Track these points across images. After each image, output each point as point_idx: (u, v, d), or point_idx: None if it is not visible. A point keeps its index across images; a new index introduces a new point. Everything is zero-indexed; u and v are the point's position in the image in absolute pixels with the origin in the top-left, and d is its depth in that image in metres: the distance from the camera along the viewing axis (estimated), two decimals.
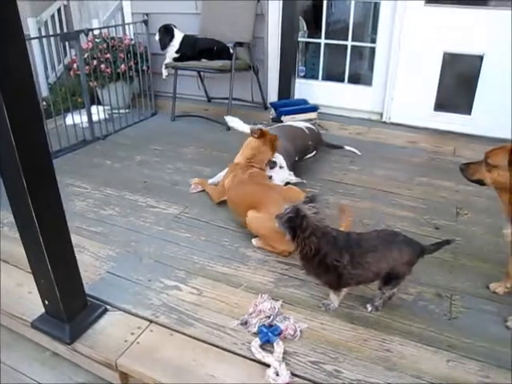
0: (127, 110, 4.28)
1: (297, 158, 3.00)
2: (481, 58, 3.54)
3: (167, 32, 3.91)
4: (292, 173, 2.81)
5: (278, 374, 1.54)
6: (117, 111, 4.09)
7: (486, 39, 3.50)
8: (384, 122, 4.10)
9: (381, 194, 2.85)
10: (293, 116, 3.69)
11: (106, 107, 4.12)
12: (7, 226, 2.54)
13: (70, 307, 1.78)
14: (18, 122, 1.38)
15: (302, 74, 4.56)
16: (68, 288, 1.76)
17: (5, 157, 1.46)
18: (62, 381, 1.80)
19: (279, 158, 2.76)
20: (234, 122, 3.22)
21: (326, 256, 1.68)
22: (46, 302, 1.82)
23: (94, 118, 3.77)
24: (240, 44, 3.77)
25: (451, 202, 2.74)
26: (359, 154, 3.41)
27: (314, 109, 3.78)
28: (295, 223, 1.65)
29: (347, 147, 3.46)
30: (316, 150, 3.24)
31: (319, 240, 1.67)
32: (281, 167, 2.75)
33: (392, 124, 4.06)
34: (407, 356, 1.66)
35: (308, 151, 3.15)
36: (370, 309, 1.88)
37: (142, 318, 1.85)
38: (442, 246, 1.82)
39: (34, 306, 1.89)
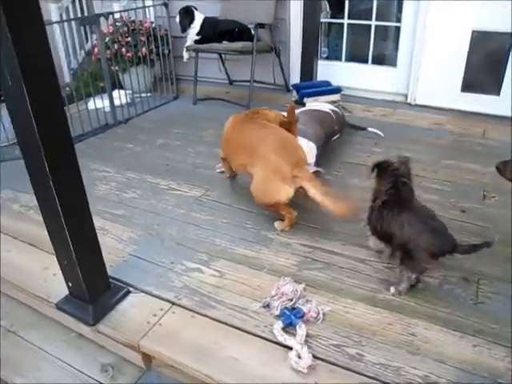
0: (149, 94, 4.28)
1: (322, 143, 2.95)
2: (511, 35, 3.40)
3: (187, 14, 3.87)
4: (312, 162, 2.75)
5: (300, 357, 1.53)
6: (138, 95, 4.09)
7: None
8: (409, 104, 4.00)
9: None
10: (315, 98, 3.62)
11: (127, 91, 4.13)
12: (33, 209, 2.58)
13: (92, 288, 1.81)
14: (38, 104, 1.39)
15: (325, 55, 4.47)
16: (90, 269, 1.79)
17: (26, 138, 1.47)
18: (88, 361, 1.83)
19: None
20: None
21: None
22: (70, 284, 1.85)
23: (116, 102, 3.78)
24: (261, 25, 3.72)
25: (478, 184, 2.66)
26: (382, 135, 3.34)
27: (338, 90, 3.71)
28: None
29: (370, 129, 3.39)
30: (340, 133, 3.18)
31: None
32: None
33: (417, 106, 3.95)
34: (432, 340, 1.63)
35: (334, 135, 3.10)
36: (392, 291, 1.86)
37: (165, 300, 1.87)
38: (479, 248, 1.73)
39: (59, 287, 1.93)
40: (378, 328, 1.69)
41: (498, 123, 3.50)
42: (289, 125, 2.44)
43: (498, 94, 3.59)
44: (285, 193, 2.14)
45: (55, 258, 2.13)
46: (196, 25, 3.88)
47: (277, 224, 2.30)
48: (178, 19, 3.96)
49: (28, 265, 2.15)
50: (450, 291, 1.86)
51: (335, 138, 3.15)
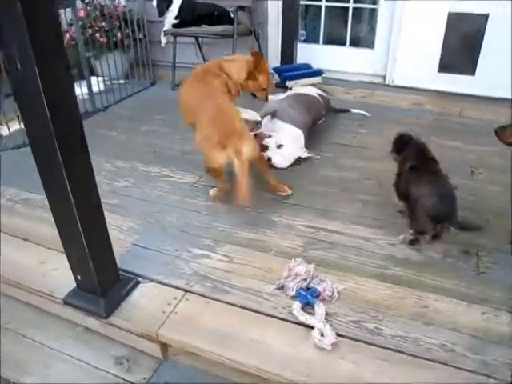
0: (126, 81, 4.16)
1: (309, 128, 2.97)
2: (486, 17, 3.52)
3: None
4: (306, 149, 2.78)
5: (323, 335, 1.56)
6: (116, 82, 3.97)
7: None
8: (387, 85, 4.08)
9: None
10: (297, 81, 3.63)
11: (103, 78, 4.00)
12: (19, 204, 2.49)
13: (103, 281, 1.76)
14: (50, 87, 1.33)
15: (303, 38, 4.47)
16: (102, 261, 1.74)
17: (37, 123, 1.40)
18: (99, 355, 1.79)
19: (285, 136, 2.70)
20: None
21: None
22: (79, 277, 1.79)
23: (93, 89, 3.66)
24: (242, 8, 3.68)
25: (464, 161, 2.76)
26: (368, 115, 3.39)
27: (319, 73, 3.73)
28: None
29: (354, 110, 3.43)
30: (324, 117, 3.22)
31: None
32: (280, 146, 2.67)
33: (395, 87, 4.04)
34: (443, 311, 1.70)
35: (320, 119, 3.12)
36: (400, 238, 2.07)
37: (176, 287, 1.85)
38: (473, 229, 1.98)
39: (61, 282, 1.88)
40: (391, 302, 1.74)
41: (474, 102, 3.63)
42: (257, 74, 2.43)
43: (474, 74, 3.72)
44: (214, 160, 2.17)
45: (52, 252, 2.10)
46: (174, 8, 3.79)
47: (211, 191, 2.42)
48: (154, 3, 3.85)
49: (24, 260, 2.07)
50: (453, 264, 1.94)
51: (321, 121, 3.18)
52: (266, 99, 2.58)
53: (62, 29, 1.35)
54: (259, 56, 2.45)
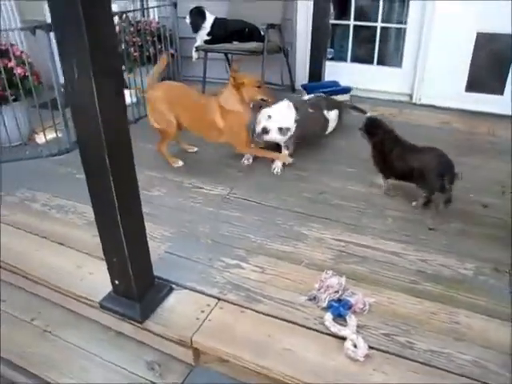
0: None
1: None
2: None
3: (199, 14, 3.90)
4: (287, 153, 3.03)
5: (355, 346, 1.58)
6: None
7: None
8: (414, 104, 4.10)
9: None
10: None
11: (135, 91, 4.11)
12: (54, 209, 2.58)
13: (140, 286, 1.82)
14: (103, 96, 1.41)
15: (331, 56, 4.54)
16: (139, 266, 1.80)
17: (89, 128, 1.48)
18: (132, 360, 1.84)
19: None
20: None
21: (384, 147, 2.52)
22: (116, 282, 1.85)
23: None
24: (272, 26, 3.77)
25: (494, 180, 2.75)
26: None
27: (348, 90, 3.78)
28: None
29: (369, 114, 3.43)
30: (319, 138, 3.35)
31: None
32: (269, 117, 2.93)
33: (422, 105, 4.06)
34: (475, 328, 1.71)
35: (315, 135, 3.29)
36: (413, 204, 2.46)
37: (210, 295, 1.90)
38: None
39: (98, 286, 1.94)
40: (422, 317, 1.75)
41: (502, 121, 3.61)
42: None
43: (502, 93, 3.72)
44: None
45: (88, 257, 2.17)
46: (207, 25, 3.92)
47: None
48: (188, 20, 3.98)
49: (61, 264, 2.15)
50: (485, 281, 1.94)
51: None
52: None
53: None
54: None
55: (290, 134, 2.95)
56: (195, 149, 3.27)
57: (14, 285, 2.23)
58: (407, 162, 2.42)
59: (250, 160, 3.04)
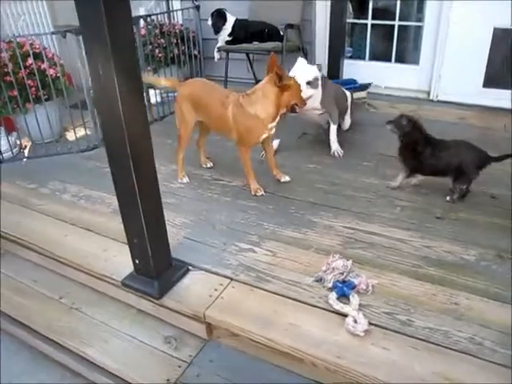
0: None
1: None
2: None
3: (220, 16, 4.06)
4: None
5: (356, 322, 1.69)
6: (172, 94, 4.26)
7: None
8: (431, 100, 4.15)
9: None
10: None
11: (160, 91, 4.30)
12: (82, 199, 2.77)
13: (158, 265, 1.98)
14: (125, 96, 1.57)
15: (349, 54, 4.62)
16: (158, 247, 1.96)
17: (112, 120, 1.64)
18: (150, 335, 2.00)
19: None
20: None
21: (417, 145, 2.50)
22: (137, 261, 2.02)
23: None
24: (291, 26, 3.88)
25: (505, 174, 2.79)
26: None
27: (365, 87, 3.86)
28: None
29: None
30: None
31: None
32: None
33: (440, 102, 4.10)
34: (474, 308, 1.78)
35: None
36: (448, 198, 2.50)
37: (223, 276, 2.04)
38: (506, 157, 2.44)
39: (120, 267, 2.12)
40: (423, 298, 1.84)
41: None
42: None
43: None
44: None
45: (113, 241, 2.34)
46: (228, 26, 4.07)
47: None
48: (210, 22, 4.15)
49: (87, 248, 2.33)
50: (488, 267, 2.01)
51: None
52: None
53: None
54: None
55: (318, 83, 2.92)
56: (209, 164, 3.10)
57: (45, 267, 2.44)
58: (442, 158, 2.46)
59: None
